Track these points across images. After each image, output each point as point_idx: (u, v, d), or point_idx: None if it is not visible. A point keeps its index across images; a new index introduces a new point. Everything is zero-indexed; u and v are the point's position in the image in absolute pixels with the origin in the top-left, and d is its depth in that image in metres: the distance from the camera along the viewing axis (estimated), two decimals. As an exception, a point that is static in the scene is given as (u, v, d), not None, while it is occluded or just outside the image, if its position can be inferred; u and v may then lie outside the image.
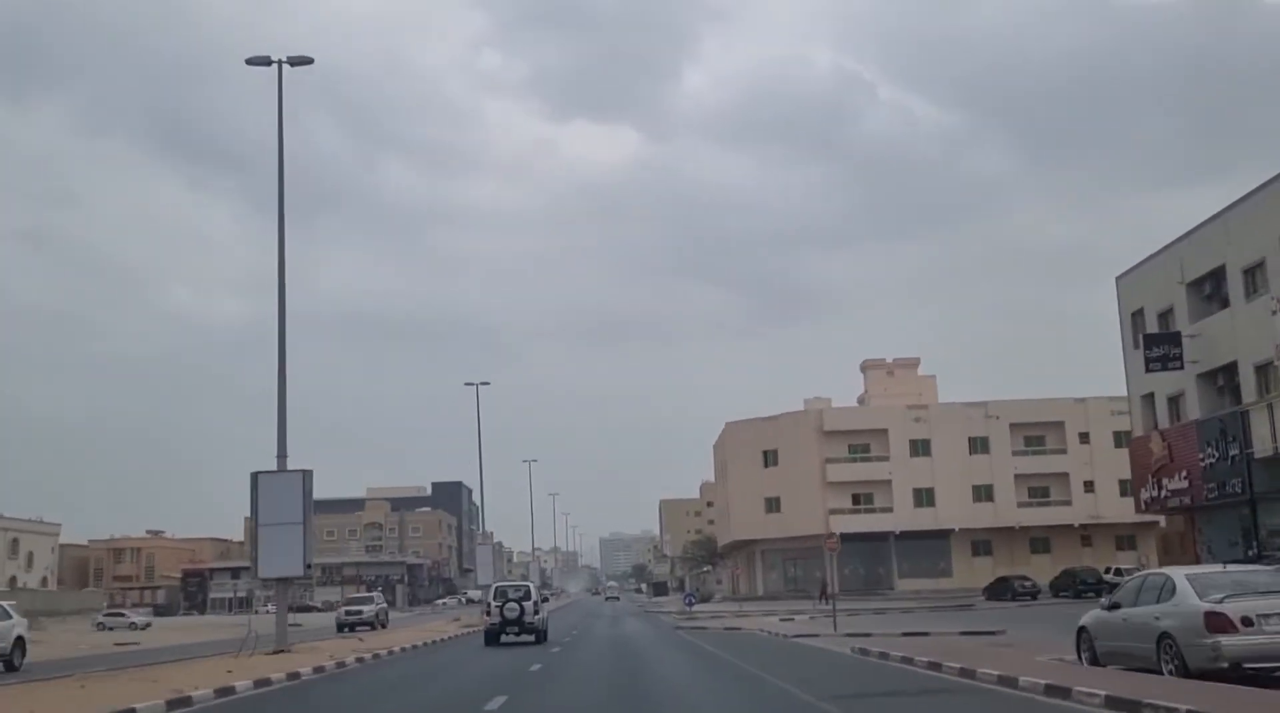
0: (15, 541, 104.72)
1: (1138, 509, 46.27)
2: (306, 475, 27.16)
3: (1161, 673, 14.24)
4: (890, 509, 72.45)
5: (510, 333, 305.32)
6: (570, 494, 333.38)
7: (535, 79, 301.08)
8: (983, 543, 73.02)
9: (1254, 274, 35.07)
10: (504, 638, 31.07)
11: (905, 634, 27.11)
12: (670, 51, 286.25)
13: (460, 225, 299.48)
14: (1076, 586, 55.40)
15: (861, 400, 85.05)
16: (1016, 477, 72.43)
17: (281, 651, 25.79)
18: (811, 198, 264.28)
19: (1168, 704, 11.07)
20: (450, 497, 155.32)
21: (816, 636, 29.63)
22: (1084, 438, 72.23)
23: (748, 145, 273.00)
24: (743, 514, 77.27)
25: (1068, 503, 72.39)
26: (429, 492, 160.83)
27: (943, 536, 72.33)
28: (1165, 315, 41.32)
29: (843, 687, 15.80)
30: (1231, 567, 16.75)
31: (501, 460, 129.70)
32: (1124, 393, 66.81)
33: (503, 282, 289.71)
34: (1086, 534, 72.32)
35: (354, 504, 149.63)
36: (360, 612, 49.83)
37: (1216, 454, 36.27)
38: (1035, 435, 73.86)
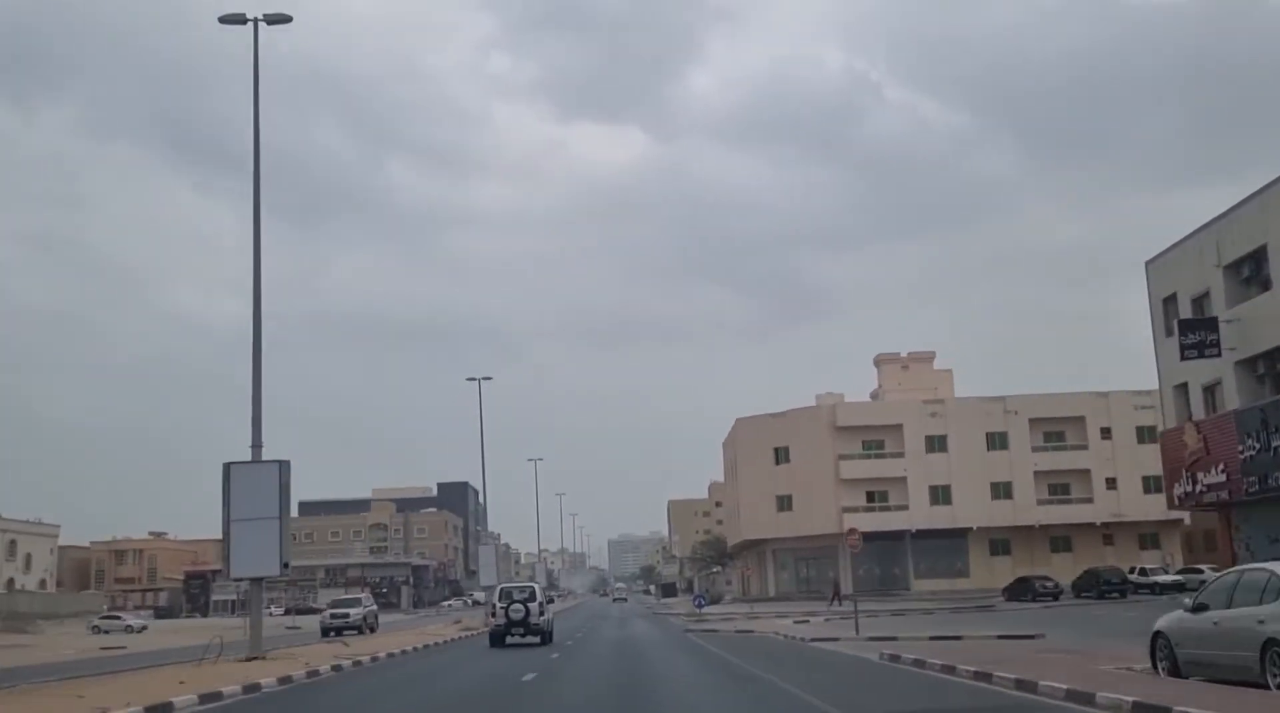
0: (13, 542, 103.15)
1: (1170, 506, 43.98)
2: (283, 467, 25.07)
3: (1269, 687, 12.12)
4: (905, 507, 70.23)
5: (518, 334, 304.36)
6: (579, 496, 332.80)
7: (543, 81, 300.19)
8: (1001, 542, 70.79)
9: (1299, 254, 32.97)
10: (509, 640, 30.90)
11: (934, 638, 25.11)
12: (678, 53, 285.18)
13: (469, 227, 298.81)
14: (1100, 586, 53.35)
15: (875, 396, 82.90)
16: (1036, 473, 70.09)
17: (256, 657, 23.82)
18: (818, 198, 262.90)
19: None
20: (457, 498, 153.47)
21: (836, 639, 27.65)
22: (1106, 433, 70.07)
23: (754, 146, 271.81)
24: (753, 513, 75.21)
25: (1089, 500, 70.11)
26: (435, 493, 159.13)
27: (960, 534, 70.09)
28: (1200, 300, 39.21)
29: (881, 702, 13.81)
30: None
31: (509, 462, 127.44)
32: (1147, 386, 65.09)
33: (511, 282, 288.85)
34: (1108, 533, 70.10)
35: (359, 505, 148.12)
36: (346, 615, 45.96)
37: (1257, 446, 34.12)
38: (1055, 431, 71.52)
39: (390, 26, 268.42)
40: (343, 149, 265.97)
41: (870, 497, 71.41)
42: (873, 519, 67.10)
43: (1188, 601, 14.67)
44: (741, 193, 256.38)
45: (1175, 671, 14.28)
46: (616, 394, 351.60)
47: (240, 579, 26.74)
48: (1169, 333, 40.47)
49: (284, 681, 19.10)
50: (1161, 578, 52.22)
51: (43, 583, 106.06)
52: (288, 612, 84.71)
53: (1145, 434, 68.20)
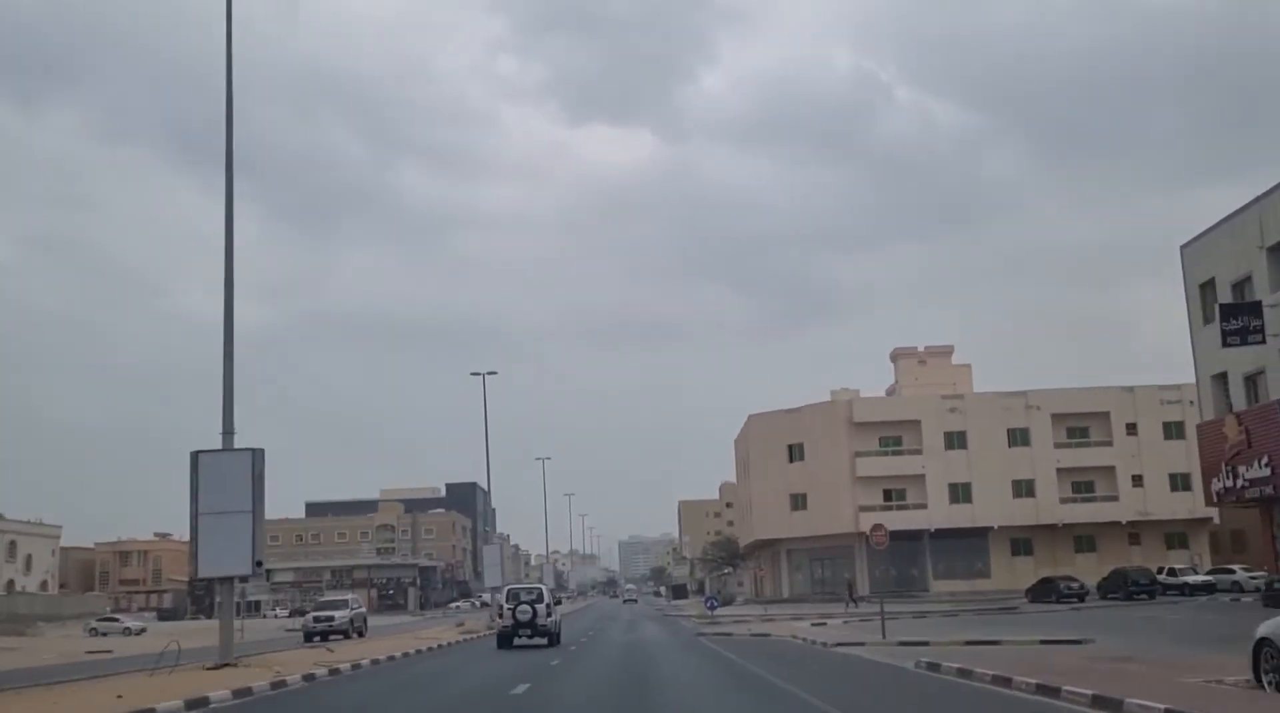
0: (13, 543, 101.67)
1: (1207, 502, 41.81)
2: (257, 455, 22.98)
3: None
4: (924, 506, 67.90)
5: (527, 335, 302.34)
6: (589, 498, 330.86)
7: (552, 83, 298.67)
8: (1023, 542, 68.40)
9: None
10: (517, 641, 30.81)
11: (969, 643, 22.92)
12: (686, 54, 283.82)
13: (478, 228, 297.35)
14: (1128, 587, 50.96)
15: (891, 391, 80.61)
16: (1059, 471, 67.66)
17: (226, 665, 21.81)
18: (827, 198, 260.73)
19: None
20: (465, 498, 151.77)
21: (862, 644, 25.47)
22: (1131, 429, 67.70)
23: (763, 147, 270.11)
24: (766, 512, 73.03)
25: (1114, 499, 67.66)
26: (443, 493, 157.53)
27: (980, 534, 67.74)
28: (1241, 285, 37.15)
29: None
30: None
31: (518, 464, 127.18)
32: (1173, 381, 62.91)
33: (520, 283, 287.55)
34: (1134, 532, 67.70)
35: (367, 506, 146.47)
36: (331, 618, 42.87)
37: (1306, 437, 32.01)
38: (1079, 427, 69.11)
39: (399, 29, 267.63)
40: (350, 150, 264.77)
41: (888, 495, 69.10)
42: (890, 518, 64.19)
43: None
44: (750, 194, 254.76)
45: (1288, 684, 12.11)
46: (627, 395, 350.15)
47: (208, 579, 24.48)
48: (1207, 320, 38.42)
49: (240, 693, 16.88)
50: (1191, 579, 49.89)
51: (44, 584, 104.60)
52: (293, 614, 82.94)
53: (1172, 430, 65.97)
